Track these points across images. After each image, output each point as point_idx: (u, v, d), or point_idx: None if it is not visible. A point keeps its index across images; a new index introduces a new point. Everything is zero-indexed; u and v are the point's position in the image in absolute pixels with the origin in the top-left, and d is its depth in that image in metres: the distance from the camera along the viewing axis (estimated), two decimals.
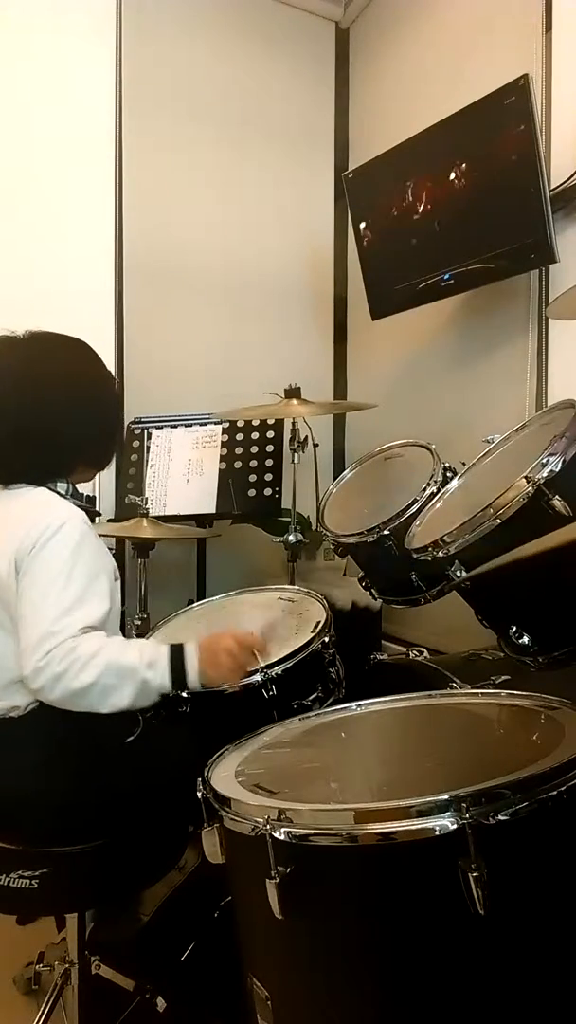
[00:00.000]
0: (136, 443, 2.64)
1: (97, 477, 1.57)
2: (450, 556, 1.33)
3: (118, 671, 1.25)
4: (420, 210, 2.42)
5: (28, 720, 1.32)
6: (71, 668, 1.21)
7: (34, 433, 1.37)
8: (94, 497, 1.55)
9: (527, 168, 2.04)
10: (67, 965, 1.47)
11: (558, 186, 2.10)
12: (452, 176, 2.30)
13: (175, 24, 2.92)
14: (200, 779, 1.06)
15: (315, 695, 1.50)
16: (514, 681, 1.43)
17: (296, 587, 1.92)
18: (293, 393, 2.26)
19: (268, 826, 0.89)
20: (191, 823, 1.28)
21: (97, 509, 1.56)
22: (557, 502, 1.19)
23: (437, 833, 0.83)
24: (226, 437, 2.59)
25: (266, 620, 1.58)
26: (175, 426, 2.66)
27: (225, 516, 2.59)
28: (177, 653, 1.32)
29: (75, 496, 1.45)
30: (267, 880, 0.87)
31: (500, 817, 0.83)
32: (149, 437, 2.65)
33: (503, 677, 1.47)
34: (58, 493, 1.40)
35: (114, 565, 1.43)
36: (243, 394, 2.39)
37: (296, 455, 2.37)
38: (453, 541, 1.32)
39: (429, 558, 1.38)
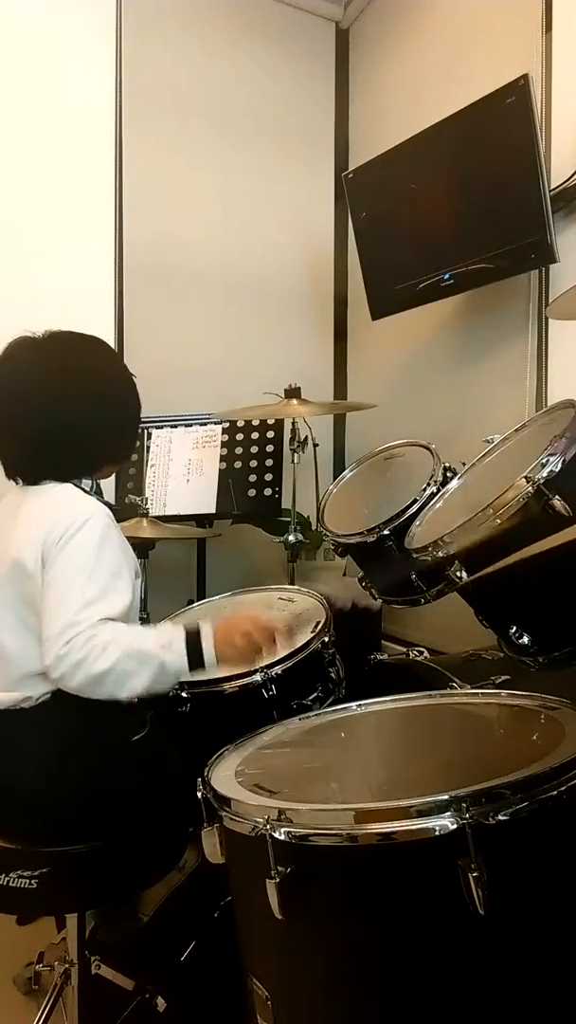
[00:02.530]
0: (136, 443, 2.64)
1: (115, 472, 1.58)
2: (450, 556, 1.32)
3: (135, 655, 1.26)
4: (420, 210, 2.42)
5: (36, 713, 1.33)
6: (90, 655, 1.23)
7: (58, 433, 1.39)
8: None
9: (527, 168, 2.04)
10: (67, 965, 1.46)
11: (558, 186, 2.10)
12: (452, 176, 2.29)
13: (175, 24, 2.91)
14: (200, 779, 1.06)
15: (315, 695, 1.50)
16: (514, 681, 1.43)
17: (296, 587, 1.92)
18: (293, 393, 2.26)
19: (268, 826, 0.89)
20: (191, 823, 1.27)
21: (116, 505, 1.58)
22: (557, 502, 1.19)
23: (437, 833, 0.83)
24: (226, 437, 2.59)
25: (287, 617, 1.58)
26: (175, 426, 2.66)
27: (225, 516, 2.59)
28: (193, 634, 1.33)
29: (98, 494, 1.46)
30: (267, 880, 0.87)
31: (500, 817, 0.83)
32: (149, 437, 2.65)
33: (503, 677, 1.47)
34: (83, 489, 1.41)
35: (136, 561, 1.45)
36: (243, 394, 2.39)
37: (296, 455, 2.37)
38: (453, 541, 1.32)
39: (429, 558, 1.38)
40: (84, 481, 1.44)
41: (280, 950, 0.98)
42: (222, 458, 2.57)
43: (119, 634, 1.26)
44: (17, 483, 1.44)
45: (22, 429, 1.39)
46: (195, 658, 1.31)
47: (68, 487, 1.40)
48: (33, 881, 1.27)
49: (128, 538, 2.27)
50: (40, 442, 1.39)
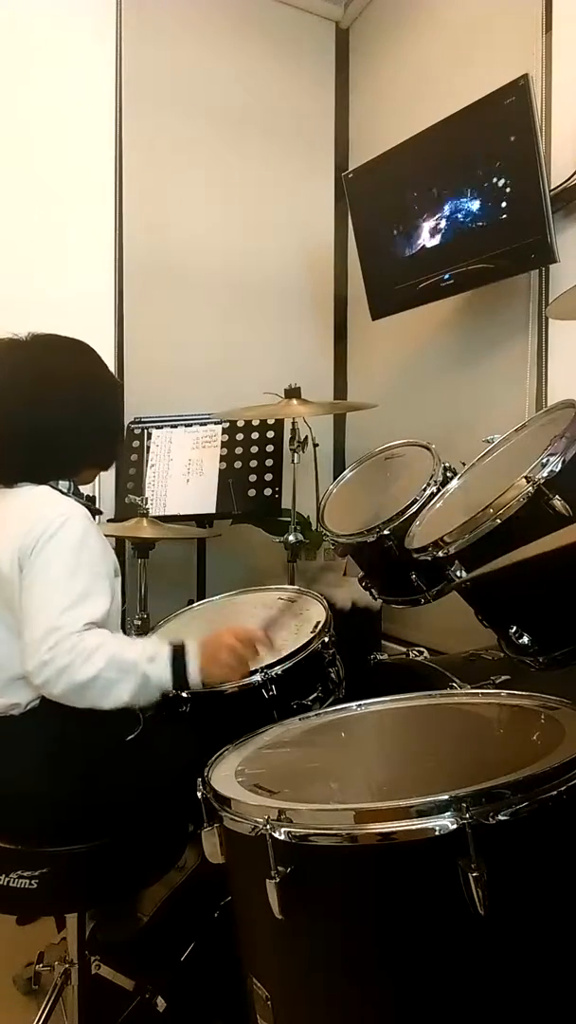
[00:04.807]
0: (136, 443, 2.64)
1: (97, 476, 1.57)
2: (450, 556, 1.32)
3: (119, 665, 1.25)
4: (420, 210, 2.42)
5: (28, 718, 1.33)
6: (75, 661, 1.22)
7: (38, 435, 1.38)
8: (94, 497, 1.55)
9: (527, 168, 2.04)
10: (67, 965, 1.46)
11: (558, 186, 2.10)
12: (452, 176, 2.29)
13: (175, 24, 2.92)
14: (200, 779, 1.06)
15: (315, 695, 1.50)
16: (514, 681, 1.43)
17: (296, 587, 1.92)
18: (293, 393, 2.26)
19: (268, 826, 0.89)
20: (191, 823, 1.27)
21: (99, 508, 1.56)
22: (557, 502, 1.19)
23: (437, 833, 0.83)
24: (226, 437, 2.59)
25: (267, 614, 1.57)
26: (175, 426, 2.66)
27: (225, 516, 2.59)
28: (178, 650, 1.32)
29: (76, 495, 1.45)
30: (267, 880, 0.87)
31: (500, 817, 0.83)
32: (149, 437, 2.65)
33: (503, 677, 1.47)
34: (59, 491, 1.41)
35: (115, 561, 1.44)
36: (243, 394, 2.39)
37: (296, 455, 2.37)
38: (453, 541, 1.32)
39: (429, 558, 1.38)
40: (60, 482, 1.42)
41: (280, 950, 0.97)
42: (222, 458, 2.57)
43: (105, 641, 1.25)
44: None
45: (1, 430, 1.38)
46: (180, 674, 1.30)
47: (44, 489, 1.39)
48: (33, 881, 1.27)
49: (128, 538, 2.29)
50: (17, 444, 1.38)
